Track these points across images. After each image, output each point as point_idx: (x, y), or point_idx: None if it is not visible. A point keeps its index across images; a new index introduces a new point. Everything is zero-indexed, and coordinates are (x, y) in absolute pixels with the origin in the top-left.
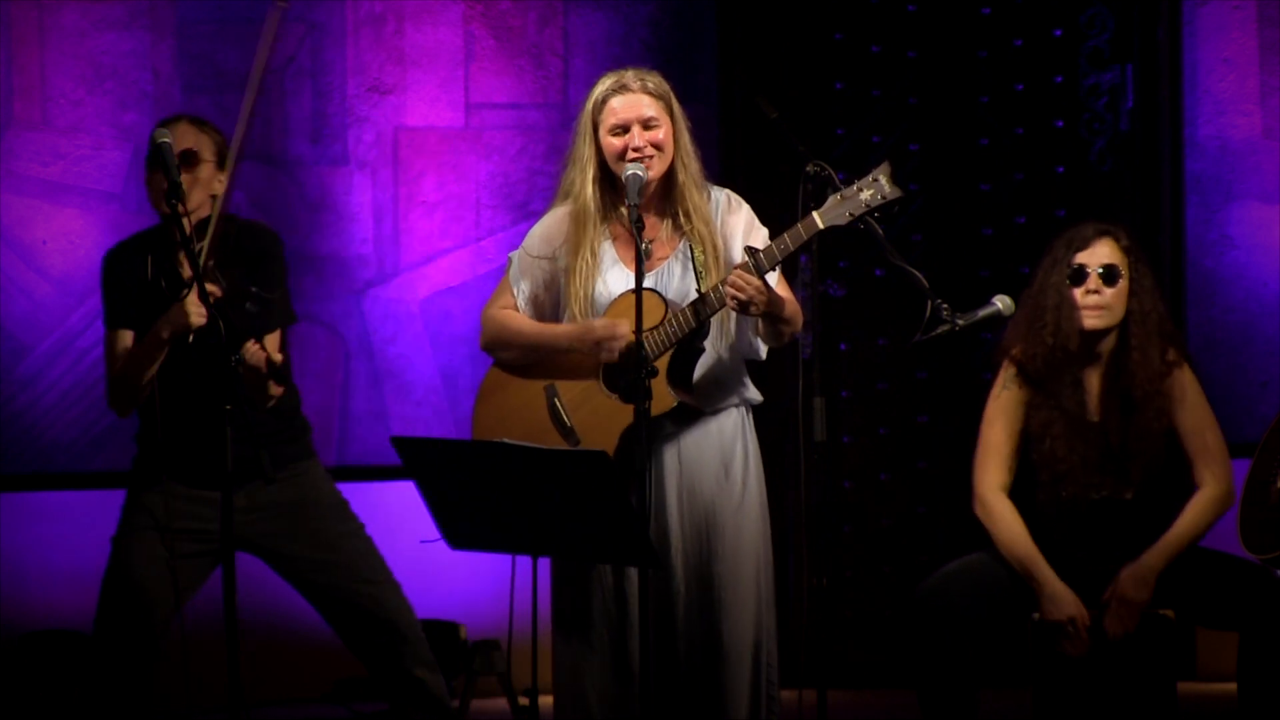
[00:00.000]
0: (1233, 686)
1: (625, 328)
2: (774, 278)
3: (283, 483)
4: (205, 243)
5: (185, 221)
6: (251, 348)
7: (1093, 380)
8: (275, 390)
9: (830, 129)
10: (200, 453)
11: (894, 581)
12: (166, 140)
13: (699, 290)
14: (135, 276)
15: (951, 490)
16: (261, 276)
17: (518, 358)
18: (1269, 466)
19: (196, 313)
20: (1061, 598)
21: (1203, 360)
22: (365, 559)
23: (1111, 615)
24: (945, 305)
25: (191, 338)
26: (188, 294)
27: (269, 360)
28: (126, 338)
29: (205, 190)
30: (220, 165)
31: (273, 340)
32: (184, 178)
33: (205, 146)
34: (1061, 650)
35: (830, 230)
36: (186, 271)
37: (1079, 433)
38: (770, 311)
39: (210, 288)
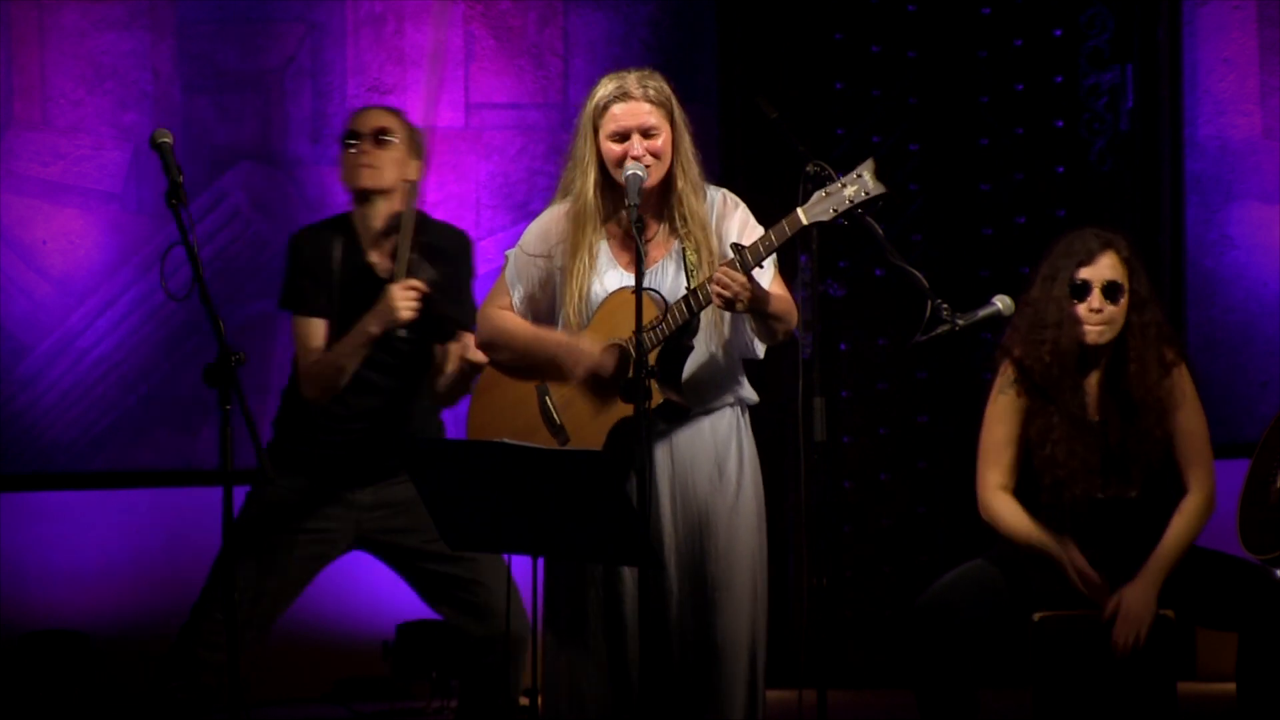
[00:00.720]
0: (1233, 686)
1: (612, 355)
2: (767, 275)
3: (407, 481)
4: (406, 237)
5: (186, 220)
6: (475, 348)
7: (1091, 383)
8: (469, 390)
9: (830, 129)
10: (346, 450)
11: (894, 581)
12: (167, 140)
13: (689, 287)
14: (326, 262)
15: (951, 490)
16: (456, 276)
17: (510, 359)
18: (1269, 466)
19: (405, 306)
20: (1068, 550)
21: (1203, 360)
22: (486, 557)
23: (1119, 635)
24: (945, 305)
25: (403, 332)
26: (392, 288)
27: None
28: (319, 326)
29: (398, 171)
30: (415, 154)
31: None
32: (380, 154)
33: (399, 129)
34: (1064, 639)
35: (815, 226)
36: (385, 265)
37: (1079, 435)
38: (757, 308)
39: (416, 281)
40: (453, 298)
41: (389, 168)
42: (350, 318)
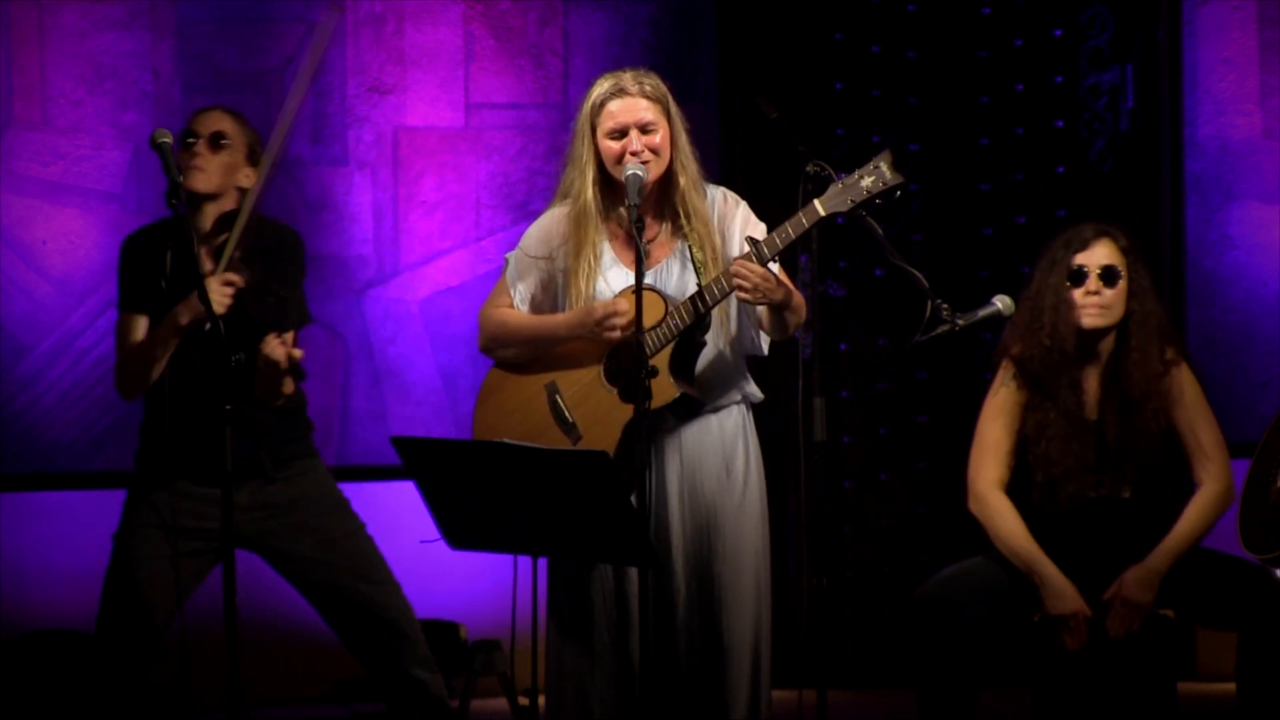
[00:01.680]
0: (1233, 686)
1: (625, 304)
2: (775, 269)
3: (285, 481)
4: (233, 235)
5: (185, 220)
6: (273, 341)
7: (1091, 380)
8: (288, 388)
9: (830, 129)
10: (206, 449)
11: (894, 581)
12: (166, 140)
13: (699, 285)
14: (154, 263)
15: (951, 490)
16: (282, 274)
17: (517, 354)
18: (1269, 466)
19: (219, 300)
20: (1063, 592)
21: (1203, 360)
22: (366, 558)
23: (1114, 616)
24: (945, 305)
25: (208, 325)
26: (210, 280)
27: (289, 355)
28: (140, 322)
29: (229, 177)
30: (250, 161)
31: (288, 339)
32: (211, 159)
33: (236, 134)
34: (1061, 644)
35: (832, 218)
36: (207, 264)
37: (1076, 433)
38: (778, 300)
39: (233, 276)
40: (269, 298)
41: (220, 173)
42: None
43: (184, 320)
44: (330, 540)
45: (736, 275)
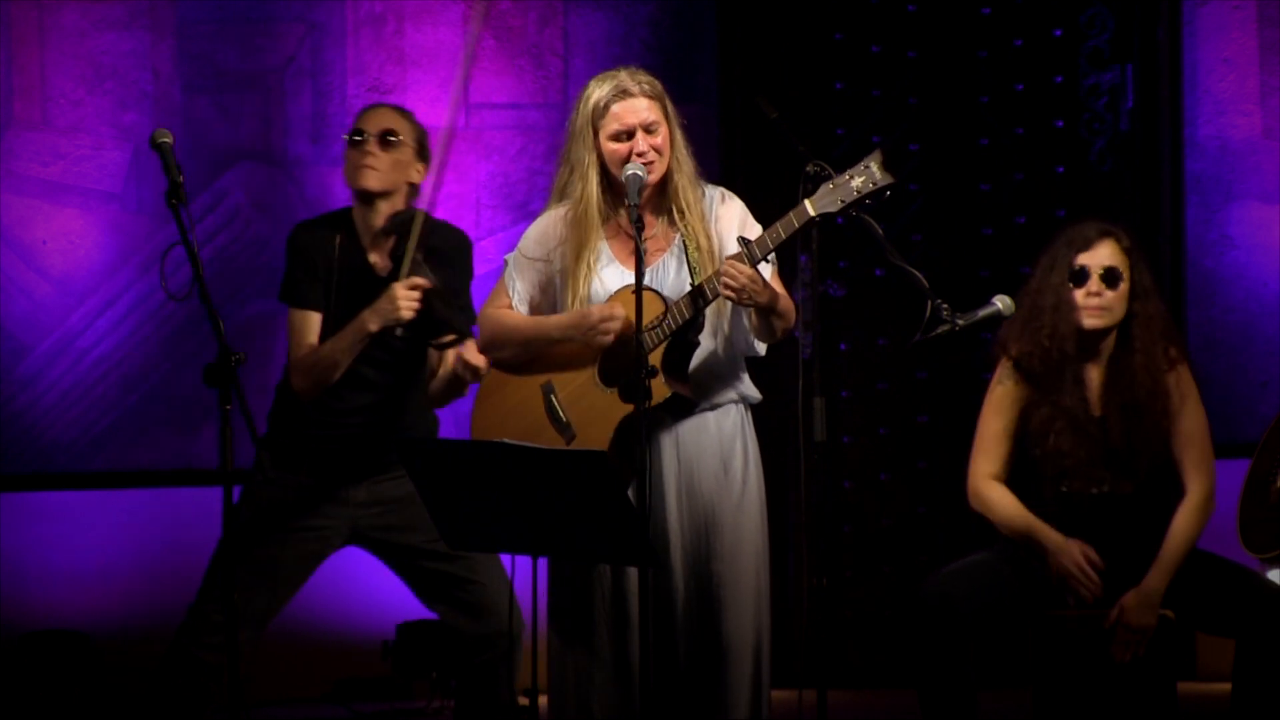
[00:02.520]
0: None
1: (620, 309)
2: (768, 272)
3: (403, 478)
4: (412, 236)
5: (186, 220)
6: (474, 347)
7: (1094, 377)
8: (465, 392)
9: (830, 129)
10: (340, 446)
11: (894, 581)
12: (167, 140)
13: (693, 283)
14: (324, 257)
15: (952, 490)
16: (456, 276)
17: (514, 355)
18: (1269, 466)
19: (407, 305)
20: (1064, 547)
21: (1203, 360)
22: (482, 556)
23: (1119, 643)
24: (945, 305)
25: (400, 330)
26: (396, 286)
27: (486, 361)
28: (314, 320)
29: (403, 174)
30: (420, 156)
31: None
32: (382, 156)
33: (406, 131)
34: (1079, 598)
35: (822, 218)
36: (383, 265)
37: (1080, 429)
38: (763, 302)
39: (420, 280)
40: (452, 301)
41: (392, 170)
42: (344, 316)
43: (374, 326)
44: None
45: (726, 275)
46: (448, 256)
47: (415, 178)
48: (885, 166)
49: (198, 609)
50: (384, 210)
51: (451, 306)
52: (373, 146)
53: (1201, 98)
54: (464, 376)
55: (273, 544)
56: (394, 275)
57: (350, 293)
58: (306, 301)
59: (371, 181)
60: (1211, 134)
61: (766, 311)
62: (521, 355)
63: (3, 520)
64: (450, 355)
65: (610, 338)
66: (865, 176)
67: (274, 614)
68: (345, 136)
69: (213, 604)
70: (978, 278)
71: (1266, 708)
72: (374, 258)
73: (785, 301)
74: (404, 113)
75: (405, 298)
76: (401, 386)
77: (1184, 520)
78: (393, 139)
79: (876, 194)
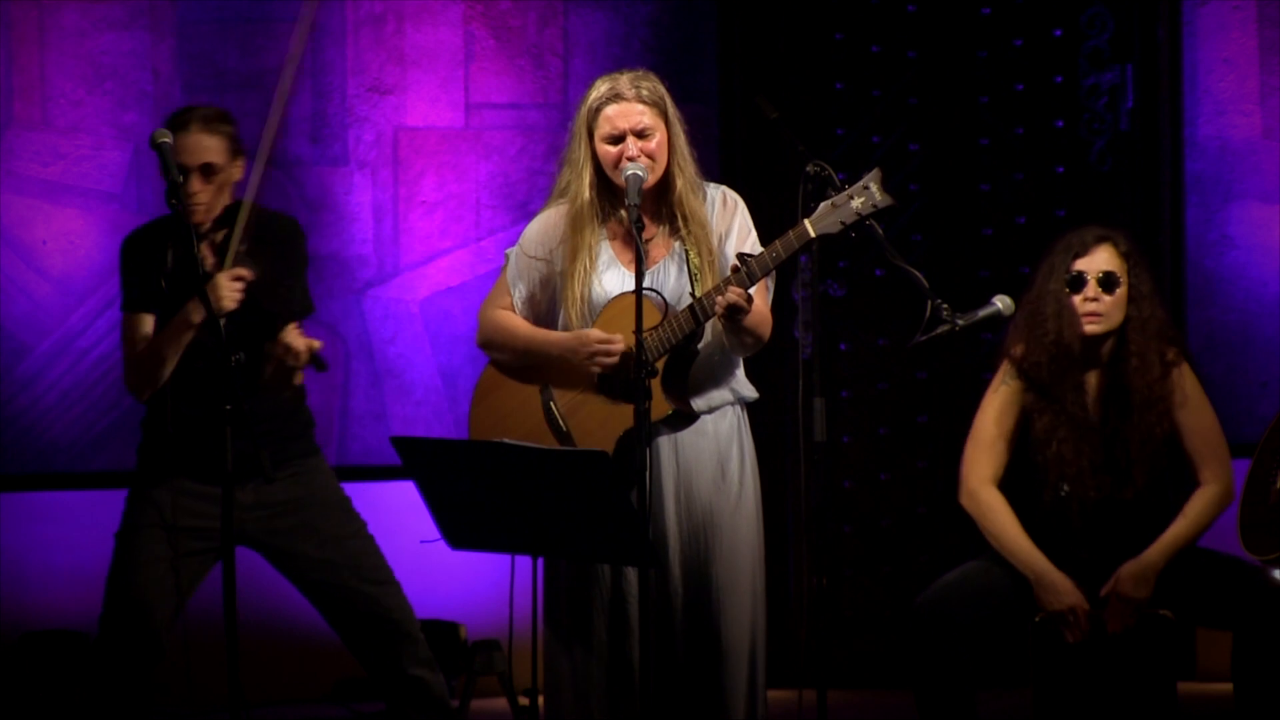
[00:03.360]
0: (1232, 686)
1: (620, 342)
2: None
3: (287, 480)
4: (236, 230)
5: (189, 220)
6: (294, 331)
7: (1091, 383)
8: (299, 379)
9: (830, 129)
10: (207, 447)
11: (894, 581)
12: (166, 140)
13: (693, 293)
14: (155, 261)
15: (951, 490)
16: (288, 264)
17: (512, 360)
18: (1269, 466)
19: (230, 296)
20: (1057, 586)
21: (1203, 360)
22: (368, 558)
23: (1111, 611)
24: (945, 305)
25: (223, 322)
26: (219, 276)
27: (309, 345)
28: (147, 321)
29: (225, 193)
30: (235, 154)
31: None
32: (205, 188)
33: (220, 151)
34: (1062, 640)
35: (822, 238)
36: (209, 259)
37: (1082, 435)
38: (747, 325)
39: (242, 271)
40: (279, 290)
41: (216, 194)
42: (181, 307)
43: (195, 318)
44: (332, 539)
45: (720, 296)
46: (276, 245)
47: (236, 177)
48: (885, 186)
49: (114, 608)
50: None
51: (277, 296)
52: (196, 183)
53: (1201, 98)
54: (285, 359)
55: (178, 544)
56: (220, 268)
57: (183, 290)
58: (135, 304)
59: (199, 216)
60: (1211, 134)
61: (742, 329)
62: (520, 361)
63: (3, 520)
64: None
65: (611, 362)
66: (865, 198)
67: (179, 614)
68: (162, 172)
69: (121, 616)
70: (978, 278)
71: (1267, 701)
72: (203, 252)
73: (758, 317)
74: (211, 126)
75: (227, 288)
76: (258, 386)
77: (1199, 506)
78: (214, 173)
79: (876, 216)
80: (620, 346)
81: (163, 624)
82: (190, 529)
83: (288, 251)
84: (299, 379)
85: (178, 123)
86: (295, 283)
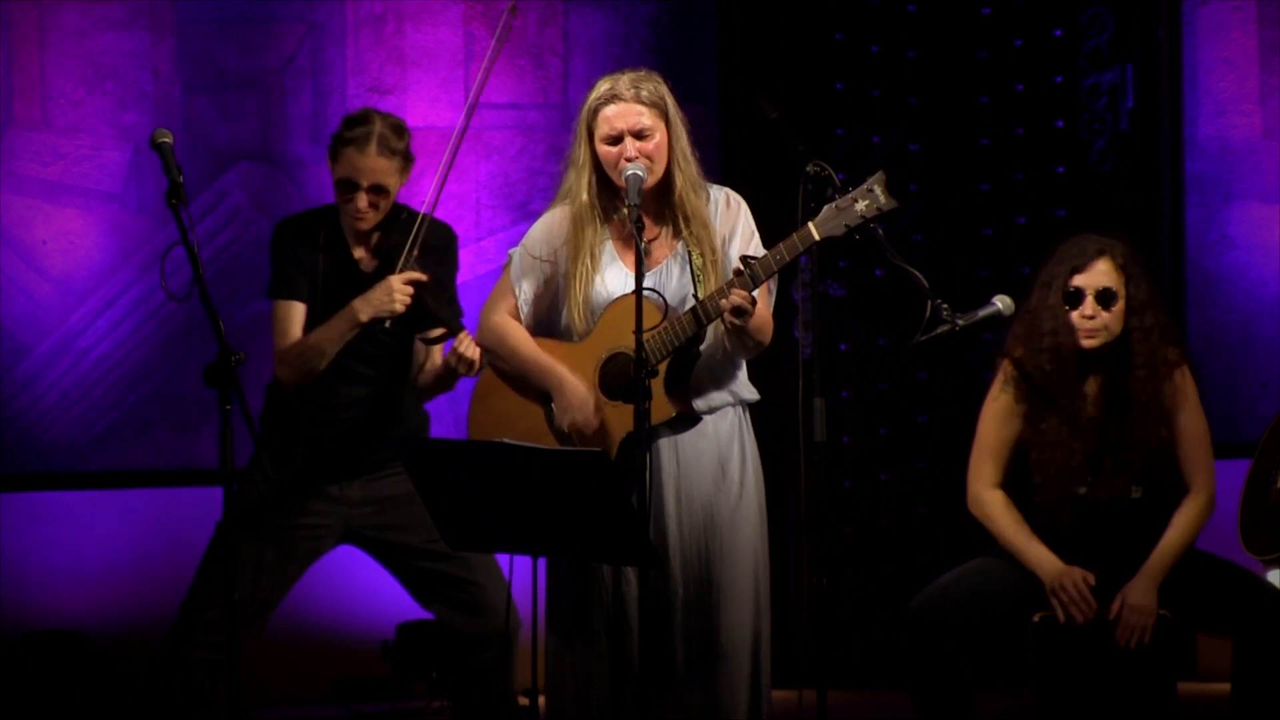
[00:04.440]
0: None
1: (596, 422)
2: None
3: (397, 476)
4: (414, 234)
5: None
6: (468, 340)
7: (1092, 384)
8: (451, 387)
9: (830, 129)
10: (333, 443)
11: (894, 581)
12: (167, 140)
13: (695, 294)
14: (308, 251)
15: (951, 490)
16: (445, 271)
17: (511, 371)
18: (1269, 467)
19: (401, 299)
20: (1062, 573)
21: (1203, 360)
22: (478, 555)
23: (1124, 629)
24: (945, 305)
25: (389, 323)
26: (392, 279)
27: (480, 355)
28: (299, 310)
29: (389, 205)
30: (406, 171)
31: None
32: (369, 212)
33: (394, 173)
34: (1071, 619)
35: (827, 241)
36: (361, 257)
37: (1076, 436)
38: (749, 328)
39: (416, 275)
40: (441, 295)
41: (380, 215)
42: (328, 310)
43: (365, 317)
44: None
45: (725, 299)
46: (437, 252)
47: (400, 186)
48: (889, 189)
49: (190, 607)
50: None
51: (441, 301)
52: (362, 203)
53: (1201, 98)
54: (457, 369)
55: (266, 543)
56: (382, 271)
57: (334, 287)
58: (291, 293)
59: (363, 228)
60: (1211, 134)
61: (744, 332)
62: (515, 374)
63: (3, 520)
64: (436, 350)
65: (577, 426)
66: (869, 200)
67: (269, 613)
68: (332, 170)
69: (206, 602)
70: (978, 278)
71: (1265, 707)
72: (359, 254)
73: (760, 319)
74: (391, 151)
75: (400, 290)
76: (393, 382)
77: (1184, 516)
78: (384, 191)
79: (880, 219)
80: (595, 424)
81: (246, 624)
82: (300, 526)
83: (447, 258)
84: (454, 386)
85: (355, 137)
86: (451, 289)
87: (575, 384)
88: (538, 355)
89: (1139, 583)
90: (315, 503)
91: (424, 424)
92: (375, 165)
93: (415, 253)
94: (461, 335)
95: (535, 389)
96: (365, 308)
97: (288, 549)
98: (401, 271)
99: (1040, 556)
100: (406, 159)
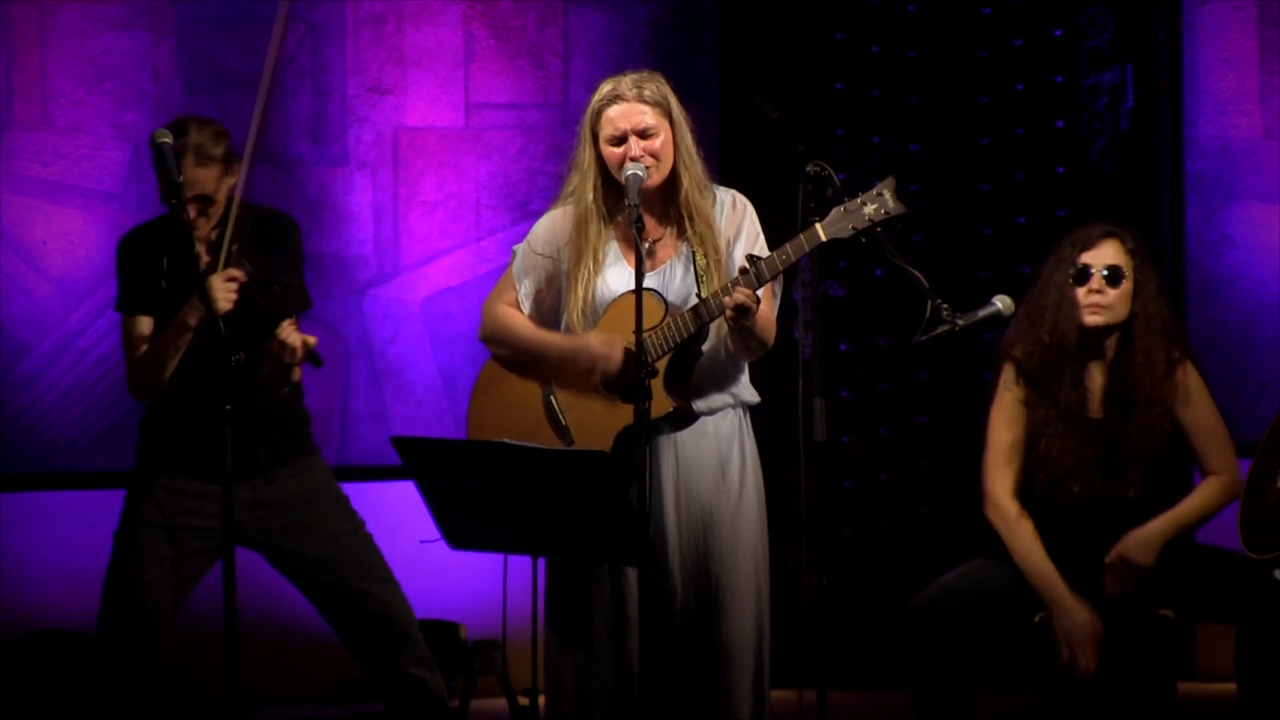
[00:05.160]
0: (1233, 687)
1: (619, 348)
2: (760, 291)
3: (285, 479)
4: (228, 229)
5: (187, 219)
6: (289, 327)
7: (1095, 379)
8: (296, 375)
9: (830, 129)
10: (207, 446)
11: (894, 581)
12: (166, 140)
13: (698, 294)
14: (153, 262)
15: (951, 490)
16: (283, 261)
17: (512, 357)
18: (1269, 466)
19: (224, 297)
20: (1074, 613)
21: (1203, 360)
22: (366, 556)
23: (1111, 574)
24: (945, 305)
25: (223, 325)
26: (213, 278)
27: (304, 341)
28: (145, 323)
29: (219, 210)
30: (230, 173)
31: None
32: (200, 216)
33: (213, 179)
34: (1074, 668)
35: (832, 243)
36: (206, 259)
37: (1077, 431)
38: (752, 328)
39: (236, 272)
40: (274, 287)
41: (215, 214)
42: (180, 306)
43: (192, 320)
44: (331, 538)
45: (728, 297)
46: (270, 243)
47: (231, 184)
48: (898, 194)
49: (106, 619)
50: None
51: (273, 294)
52: (191, 213)
53: (1201, 98)
54: (282, 356)
55: (178, 543)
56: (214, 268)
57: (183, 293)
58: (133, 306)
59: (202, 233)
60: (1211, 134)
61: (747, 333)
62: (519, 360)
63: (3, 520)
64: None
65: (608, 371)
66: (878, 204)
67: (177, 613)
68: (162, 196)
69: (119, 615)
70: (978, 278)
71: (1271, 694)
72: (201, 252)
73: (764, 321)
74: (207, 157)
75: (221, 289)
76: (257, 384)
77: (1208, 491)
78: (208, 201)
79: (888, 222)
80: (619, 356)
81: (162, 624)
82: (190, 528)
83: (282, 249)
84: (297, 375)
85: (178, 148)
86: (291, 280)
87: (579, 339)
88: (537, 331)
89: (1142, 536)
90: (204, 504)
91: (304, 423)
92: (193, 177)
93: (235, 249)
94: (284, 323)
95: (536, 370)
96: (192, 311)
97: (180, 549)
98: (222, 268)
99: (1058, 591)
100: (228, 162)
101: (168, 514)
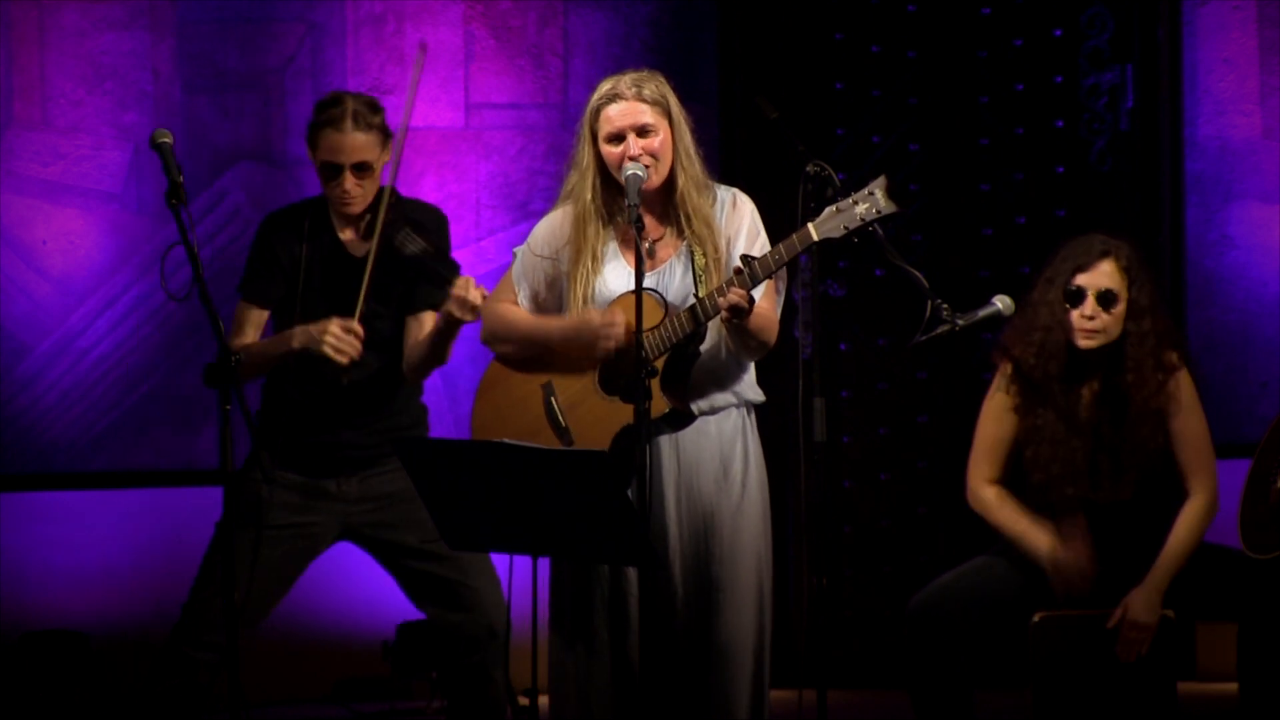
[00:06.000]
0: (1233, 687)
1: (622, 318)
2: (760, 287)
3: (394, 472)
4: (380, 212)
5: (186, 220)
6: (469, 283)
7: (1088, 386)
8: (443, 359)
9: (830, 129)
10: (320, 441)
11: (894, 581)
12: (167, 140)
13: (696, 294)
14: (290, 242)
15: (951, 490)
16: (440, 248)
17: (515, 352)
18: (1269, 466)
19: (334, 347)
20: (1054, 548)
21: (1203, 361)
22: (469, 553)
23: (1124, 642)
24: (945, 305)
25: (345, 378)
26: (332, 322)
27: (483, 295)
28: (257, 317)
29: (376, 185)
30: (386, 146)
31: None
32: (357, 187)
33: (372, 148)
34: (1069, 596)
35: (825, 243)
36: (349, 239)
37: (1069, 437)
38: (749, 327)
39: (356, 327)
40: (436, 272)
41: (370, 189)
42: (317, 295)
43: (296, 345)
44: (434, 532)
45: (722, 297)
46: (425, 230)
47: (385, 161)
48: (890, 193)
49: (192, 608)
50: None
51: (432, 280)
52: (348, 184)
53: (1201, 98)
54: (463, 317)
55: (265, 542)
56: (382, 251)
57: (322, 274)
58: (253, 296)
59: (353, 211)
60: (1211, 134)
61: (744, 332)
62: (523, 352)
63: (3, 520)
64: (427, 321)
65: (612, 345)
66: (870, 204)
67: (267, 613)
68: (313, 158)
69: (207, 603)
70: (978, 278)
71: (1272, 691)
72: (347, 235)
73: (763, 319)
74: (368, 125)
75: (335, 338)
76: (387, 375)
77: (1186, 522)
78: (368, 167)
79: (880, 222)
80: (621, 319)
81: (246, 624)
82: (296, 525)
83: (438, 235)
84: (446, 358)
85: (330, 118)
86: (451, 268)
87: (579, 317)
88: (537, 318)
89: (1142, 594)
90: (313, 500)
91: (421, 417)
92: (354, 142)
93: (408, 229)
94: (465, 278)
95: (539, 359)
96: (301, 338)
97: (286, 547)
98: (400, 247)
99: (1037, 538)
100: (385, 133)
101: (273, 514)
